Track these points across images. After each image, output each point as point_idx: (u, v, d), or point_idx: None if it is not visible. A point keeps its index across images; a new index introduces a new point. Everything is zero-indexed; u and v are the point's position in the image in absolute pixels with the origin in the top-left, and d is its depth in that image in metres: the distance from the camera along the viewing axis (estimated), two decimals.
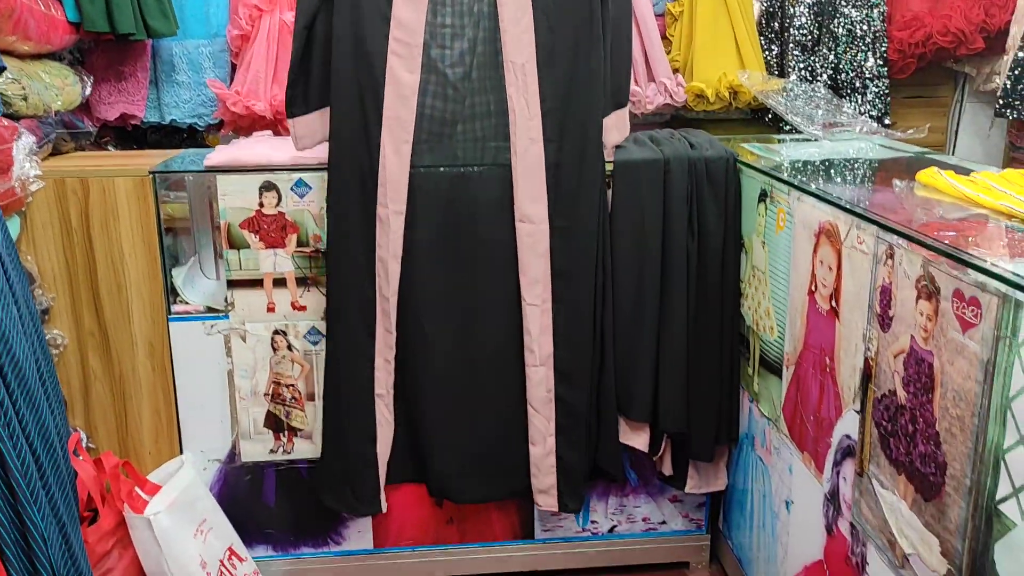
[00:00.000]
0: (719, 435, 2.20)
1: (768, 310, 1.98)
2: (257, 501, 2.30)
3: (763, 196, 1.99)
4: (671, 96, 2.75)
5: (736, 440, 2.22)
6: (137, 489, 2.12)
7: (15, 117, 2.08)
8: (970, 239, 1.32)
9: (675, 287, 2.12)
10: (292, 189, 2.12)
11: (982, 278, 1.18)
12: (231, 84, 2.79)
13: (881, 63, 2.78)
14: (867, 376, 1.53)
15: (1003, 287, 1.14)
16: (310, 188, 2.12)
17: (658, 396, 2.15)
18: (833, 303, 1.65)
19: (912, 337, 1.36)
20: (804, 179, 1.84)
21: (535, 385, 2.11)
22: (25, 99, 2.08)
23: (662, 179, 2.10)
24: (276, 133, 2.80)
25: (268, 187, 2.11)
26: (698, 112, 2.82)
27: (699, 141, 2.21)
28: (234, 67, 2.84)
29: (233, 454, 2.27)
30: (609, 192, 2.11)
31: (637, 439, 2.19)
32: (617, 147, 2.17)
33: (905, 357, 1.39)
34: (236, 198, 2.11)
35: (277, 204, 2.12)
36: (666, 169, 2.10)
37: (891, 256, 1.42)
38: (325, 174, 2.10)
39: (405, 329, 2.10)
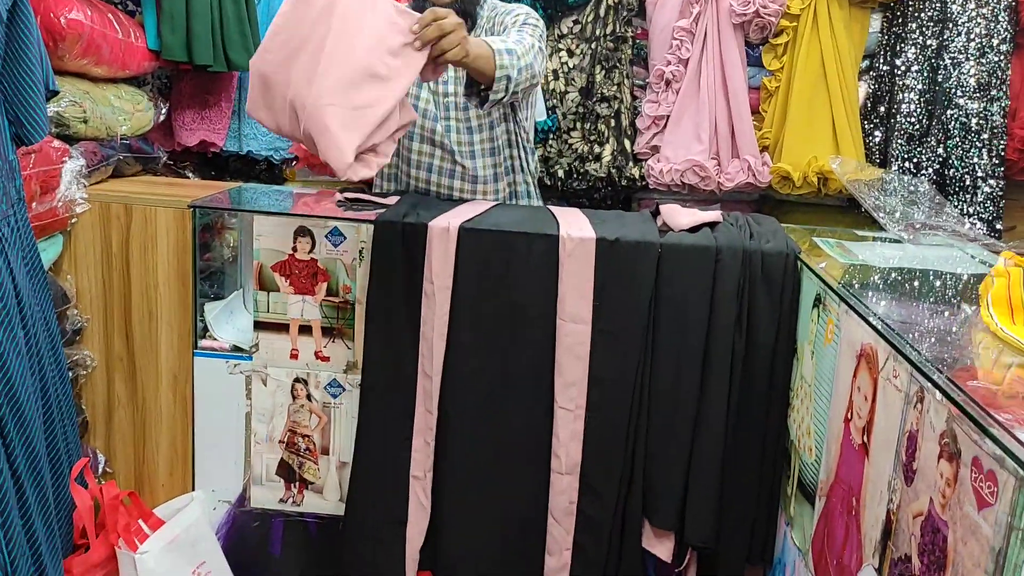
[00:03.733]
0: (751, 554, 1.99)
1: (809, 428, 1.77)
2: (262, 549, 2.23)
3: (817, 301, 1.79)
4: (754, 175, 2.57)
5: (770, 563, 2.00)
6: (141, 522, 2.09)
7: (74, 139, 2.12)
8: (1009, 398, 1.11)
9: (715, 388, 1.93)
10: (327, 237, 2.07)
11: (1000, 451, 0.98)
12: None
13: (997, 162, 2.52)
14: (887, 531, 1.32)
15: (1021, 469, 0.93)
16: (344, 238, 2.06)
17: (686, 505, 1.96)
18: (865, 438, 1.44)
19: (931, 500, 1.16)
20: (858, 291, 1.64)
21: (558, 494, 1.97)
22: (85, 121, 2.12)
23: (712, 269, 1.93)
24: None
25: (303, 232, 2.07)
26: (784, 195, 2.63)
27: (762, 231, 2.03)
28: None
29: (243, 498, 2.21)
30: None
31: (660, 547, 2.00)
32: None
33: (923, 521, 1.19)
34: (270, 239, 2.08)
35: (310, 250, 2.07)
36: (717, 258, 1.93)
37: (921, 400, 1.22)
38: (361, 225, 2.04)
39: (444, 410, 2.01)
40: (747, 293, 1.93)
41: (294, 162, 2.88)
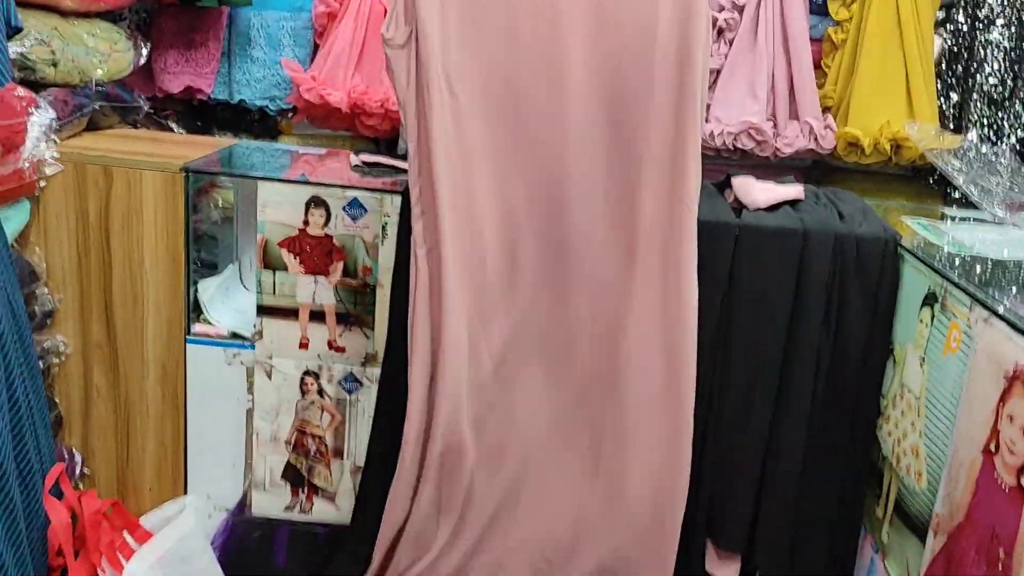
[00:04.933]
0: None
1: (917, 449, 1.52)
2: (265, 562, 1.97)
3: (931, 299, 1.53)
4: (816, 140, 2.29)
5: None
6: (126, 534, 1.81)
7: (41, 85, 1.79)
8: None
9: (796, 393, 1.67)
10: (345, 209, 1.77)
11: None
12: (310, 67, 2.46)
13: None
14: None
15: None
16: (365, 210, 1.76)
17: (757, 526, 1.72)
18: (1023, 480, 1.19)
19: None
20: (997, 290, 1.38)
21: None
22: (54, 64, 1.79)
23: (798, 257, 1.66)
24: (352, 128, 2.46)
25: (316, 203, 1.76)
26: (847, 162, 2.35)
27: (850, 210, 1.75)
28: (317, 48, 2.51)
29: (243, 504, 1.94)
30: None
31: (725, 571, 1.76)
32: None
33: None
34: (278, 211, 1.77)
35: (325, 224, 1.77)
36: (804, 244, 1.65)
37: None
38: (386, 196, 1.74)
39: None
40: (838, 285, 1.66)
41: (291, 114, 2.55)
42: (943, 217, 2.04)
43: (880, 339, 1.67)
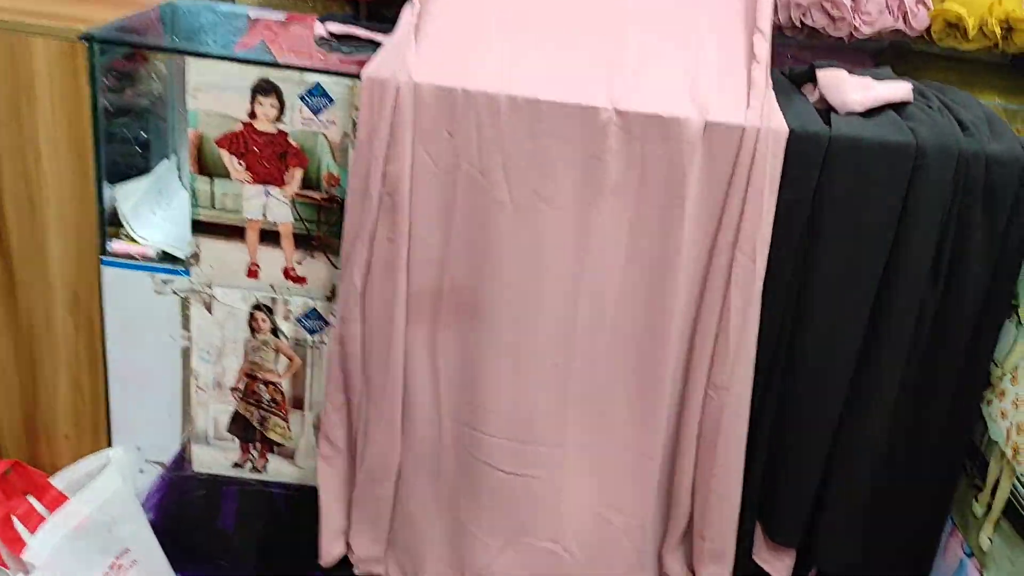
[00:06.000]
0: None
1: None
2: (210, 525, 1.63)
3: None
4: (906, 19, 1.82)
5: None
6: (31, 499, 1.46)
7: None
8: None
9: (888, 358, 1.29)
10: (303, 98, 1.33)
11: None
12: None
13: None
14: None
15: None
16: (331, 101, 1.32)
17: (821, 519, 1.37)
18: None
19: None
20: None
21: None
22: None
23: (906, 179, 1.24)
24: None
25: (265, 89, 1.32)
26: (940, 47, 1.90)
27: (972, 118, 1.33)
28: None
29: (182, 459, 1.58)
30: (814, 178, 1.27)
31: (776, 564, 1.42)
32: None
33: None
34: (215, 98, 1.33)
35: (277, 118, 1.34)
36: (917, 164, 1.24)
37: None
38: (358, 83, 1.30)
39: None
40: (956, 220, 1.26)
41: None
42: None
43: (1003, 292, 1.28)
